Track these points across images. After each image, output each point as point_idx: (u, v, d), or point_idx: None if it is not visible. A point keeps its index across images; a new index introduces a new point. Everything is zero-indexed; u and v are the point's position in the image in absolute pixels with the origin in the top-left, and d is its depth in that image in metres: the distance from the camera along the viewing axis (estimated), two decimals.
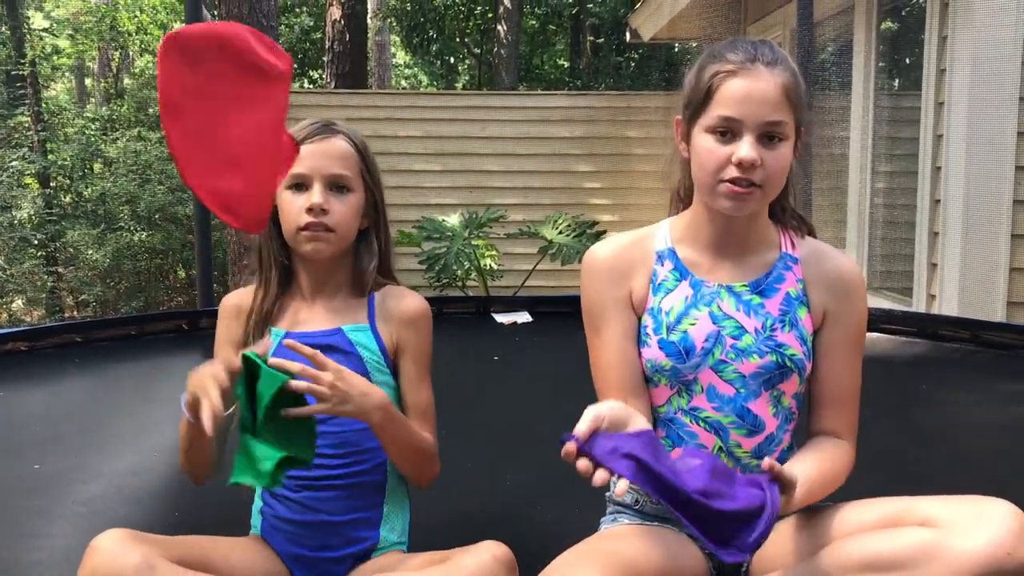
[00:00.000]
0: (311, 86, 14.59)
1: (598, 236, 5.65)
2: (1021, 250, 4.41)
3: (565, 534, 1.59)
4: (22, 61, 10.90)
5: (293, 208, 1.65)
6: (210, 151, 1.41)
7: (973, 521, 1.33)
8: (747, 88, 1.49)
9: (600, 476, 1.29)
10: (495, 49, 12.73)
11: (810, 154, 4.92)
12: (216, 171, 1.42)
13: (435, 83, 17.21)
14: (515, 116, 8.41)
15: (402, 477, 1.72)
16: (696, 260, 1.64)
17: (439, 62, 15.18)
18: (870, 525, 1.43)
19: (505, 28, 12.21)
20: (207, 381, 1.49)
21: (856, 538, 1.41)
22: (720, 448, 1.59)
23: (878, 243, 5.69)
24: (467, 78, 16.76)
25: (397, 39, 15.90)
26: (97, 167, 11.02)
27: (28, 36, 11.78)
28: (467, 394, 3.19)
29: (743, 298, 1.60)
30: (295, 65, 14.33)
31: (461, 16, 14.22)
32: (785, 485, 1.40)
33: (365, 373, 1.67)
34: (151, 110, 12.29)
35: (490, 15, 13.85)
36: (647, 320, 1.61)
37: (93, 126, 11.63)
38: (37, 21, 15.16)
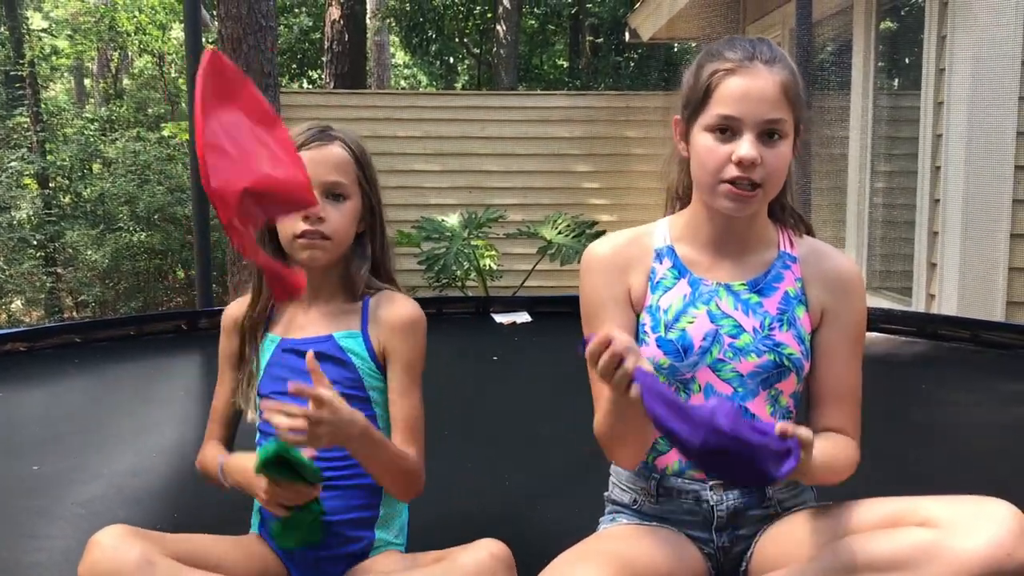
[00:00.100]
0: (310, 86, 14.59)
1: (597, 236, 5.62)
2: (1020, 250, 4.41)
3: (564, 534, 1.59)
4: (21, 62, 10.89)
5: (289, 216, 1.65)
6: (235, 165, 1.40)
7: (973, 521, 1.33)
8: (746, 86, 1.49)
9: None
10: (494, 49, 12.73)
11: (809, 153, 4.92)
12: (237, 187, 1.42)
13: (434, 83, 17.21)
14: (514, 116, 8.41)
15: None
16: (695, 258, 1.63)
17: (438, 62, 15.17)
18: (870, 525, 1.43)
19: (504, 28, 12.21)
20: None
21: (856, 538, 1.41)
22: None
23: (877, 243, 5.69)
24: (466, 78, 16.76)
25: (396, 39, 15.90)
26: (96, 167, 11.01)
27: (27, 36, 11.76)
28: (467, 394, 3.20)
29: (741, 297, 1.60)
30: (294, 66, 14.25)
31: (460, 16, 14.22)
32: (802, 441, 1.38)
33: (359, 380, 1.68)
34: (150, 110, 12.30)
35: (489, 15, 13.85)
36: (645, 318, 1.61)
37: (92, 126, 11.62)
38: (36, 21, 15.17)
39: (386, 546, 1.70)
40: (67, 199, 10.59)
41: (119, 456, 2.62)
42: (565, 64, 16.07)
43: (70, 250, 9.67)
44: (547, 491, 2.32)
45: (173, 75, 13.09)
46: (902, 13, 5.99)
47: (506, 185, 8.30)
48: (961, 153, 4.44)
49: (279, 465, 1.48)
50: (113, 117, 11.97)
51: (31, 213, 9.67)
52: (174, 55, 13.04)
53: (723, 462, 1.32)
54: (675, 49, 13.61)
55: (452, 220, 6.11)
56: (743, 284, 1.61)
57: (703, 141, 1.53)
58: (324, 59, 11.83)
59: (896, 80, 6.05)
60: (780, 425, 1.35)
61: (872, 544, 1.38)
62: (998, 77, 4.30)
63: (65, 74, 16.76)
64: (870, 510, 1.46)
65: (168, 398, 3.15)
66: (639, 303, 1.63)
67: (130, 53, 14.73)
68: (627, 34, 10.03)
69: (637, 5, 9.02)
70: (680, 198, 1.69)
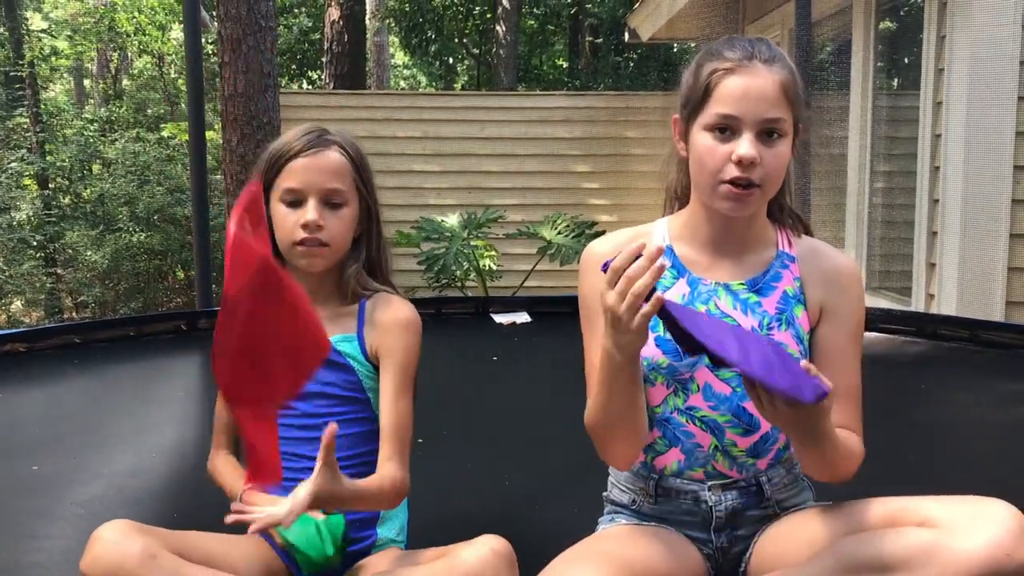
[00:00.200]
0: (309, 87, 14.59)
1: (597, 236, 5.63)
2: (1020, 249, 4.42)
3: (564, 534, 1.59)
4: (21, 62, 10.89)
5: (287, 223, 1.65)
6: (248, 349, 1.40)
7: (972, 522, 1.33)
8: (745, 85, 1.49)
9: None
10: (494, 49, 12.73)
11: (809, 153, 4.92)
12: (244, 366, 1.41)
13: (434, 84, 17.21)
14: (514, 116, 8.41)
15: None
16: (694, 258, 1.64)
17: (438, 63, 15.18)
18: (869, 525, 1.43)
19: (504, 28, 12.21)
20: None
21: (855, 538, 1.41)
22: (716, 447, 1.59)
23: (877, 243, 5.69)
24: (466, 78, 16.76)
25: (396, 40, 15.89)
26: (96, 168, 11.02)
27: (26, 37, 11.77)
28: (466, 394, 3.20)
29: (740, 296, 1.60)
30: (294, 66, 14.23)
31: (460, 16, 14.22)
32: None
33: (357, 382, 1.69)
34: (149, 111, 12.30)
35: (489, 15, 13.85)
36: None
37: (92, 127, 11.63)
38: (35, 22, 15.17)
39: (388, 544, 1.71)
40: (67, 200, 10.60)
41: (119, 456, 2.63)
42: (564, 64, 16.07)
43: (70, 251, 9.68)
44: (547, 491, 2.32)
45: (173, 76, 13.10)
46: (901, 13, 6.00)
47: (505, 185, 8.30)
48: (960, 153, 4.44)
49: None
50: (113, 118, 11.98)
51: (31, 214, 9.68)
52: (174, 56, 13.05)
53: (766, 362, 1.32)
54: (674, 49, 13.62)
55: (452, 220, 6.11)
56: (742, 284, 1.61)
57: (702, 140, 1.53)
58: (323, 60, 11.84)
59: (895, 80, 6.05)
60: (804, 362, 1.35)
61: (871, 544, 1.38)
62: (997, 77, 4.30)
63: (65, 75, 16.75)
64: (869, 510, 1.46)
65: (168, 398, 3.15)
66: None
67: (130, 54, 14.74)
68: (626, 34, 10.03)
69: (636, 5, 9.02)
70: (679, 198, 1.69)
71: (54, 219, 9.83)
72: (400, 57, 18.99)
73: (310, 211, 1.64)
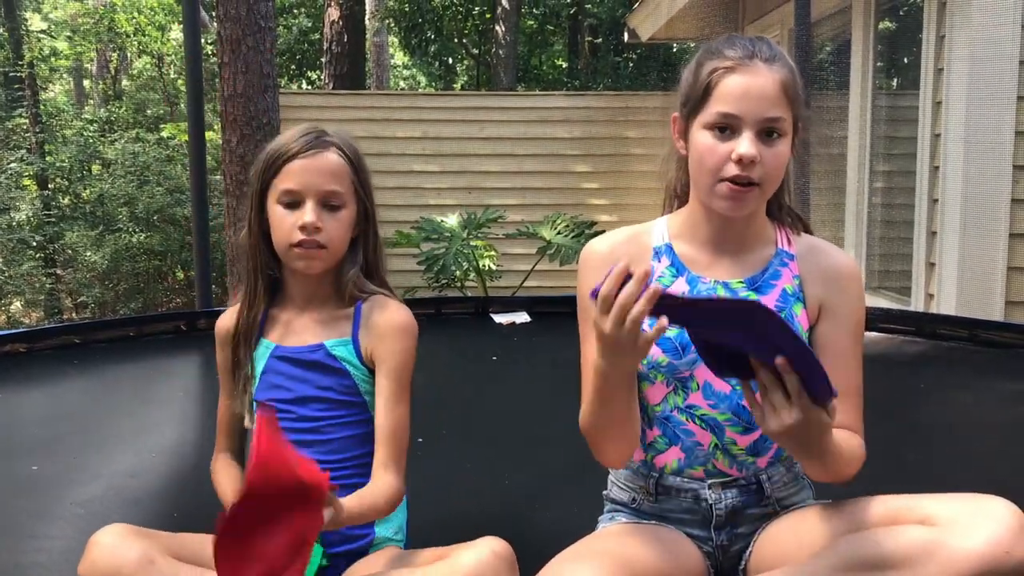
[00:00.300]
0: (309, 87, 14.59)
1: (596, 236, 5.64)
2: (1019, 249, 4.42)
3: (564, 534, 1.59)
4: (20, 63, 10.90)
5: (285, 225, 1.64)
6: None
7: (972, 520, 1.33)
8: (746, 84, 1.49)
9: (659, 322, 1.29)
10: (493, 50, 12.73)
11: (809, 152, 4.92)
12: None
13: (433, 84, 17.21)
14: (513, 117, 8.41)
15: None
16: (693, 256, 1.63)
17: (437, 63, 15.18)
18: (869, 523, 1.43)
19: (503, 28, 12.21)
20: None
21: (855, 536, 1.41)
22: (716, 445, 1.59)
23: (876, 242, 5.69)
24: (465, 79, 16.76)
25: (395, 40, 15.89)
26: (95, 168, 11.03)
27: (26, 38, 11.78)
28: (466, 394, 3.20)
29: (739, 294, 1.60)
30: (293, 67, 14.25)
31: (459, 17, 14.22)
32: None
33: (353, 386, 1.68)
34: (149, 112, 12.30)
35: (488, 16, 13.85)
36: None
37: (91, 127, 11.63)
38: (35, 23, 15.16)
39: (386, 543, 1.70)
40: (66, 200, 10.61)
41: (118, 457, 2.62)
42: (564, 64, 16.07)
43: (69, 251, 9.69)
44: (546, 491, 2.32)
45: (172, 76, 13.10)
46: (901, 13, 6.00)
47: (505, 185, 8.30)
48: (960, 153, 4.44)
49: None
50: (112, 118, 11.99)
51: (30, 214, 9.68)
52: (173, 56, 13.06)
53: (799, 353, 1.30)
54: (674, 49, 13.62)
55: (451, 220, 6.11)
56: (741, 282, 1.61)
57: (702, 139, 1.53)
58: (323, 60, 11.84)
59: (895, 80, 6.05)
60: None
61: (871, 542, 1.38)
62: (996, 77, 4.30)
63: (64, 75, 16.76)
64: (869, 508, 1.46)
65: (167, 399, 3.15)
66: None
67: (129, 54, 14.75)
68: (626, 34, 10.04)
69: (636, 5, 9.03)
70: (678, 196, 1.69)
71: (54, 219, 9.83)
72: (399, 57, 19.00)
73: (308, 213, 1.63)
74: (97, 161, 10.95)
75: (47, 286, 9.64)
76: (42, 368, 3.39)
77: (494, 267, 6.44)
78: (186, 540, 1.58)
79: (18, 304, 9.94)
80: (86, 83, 18.22)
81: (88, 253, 9.30)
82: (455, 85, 16.59)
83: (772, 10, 7.00)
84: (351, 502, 1.52)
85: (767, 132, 1.50)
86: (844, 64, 5.93)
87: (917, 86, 4.93)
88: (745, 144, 1.48)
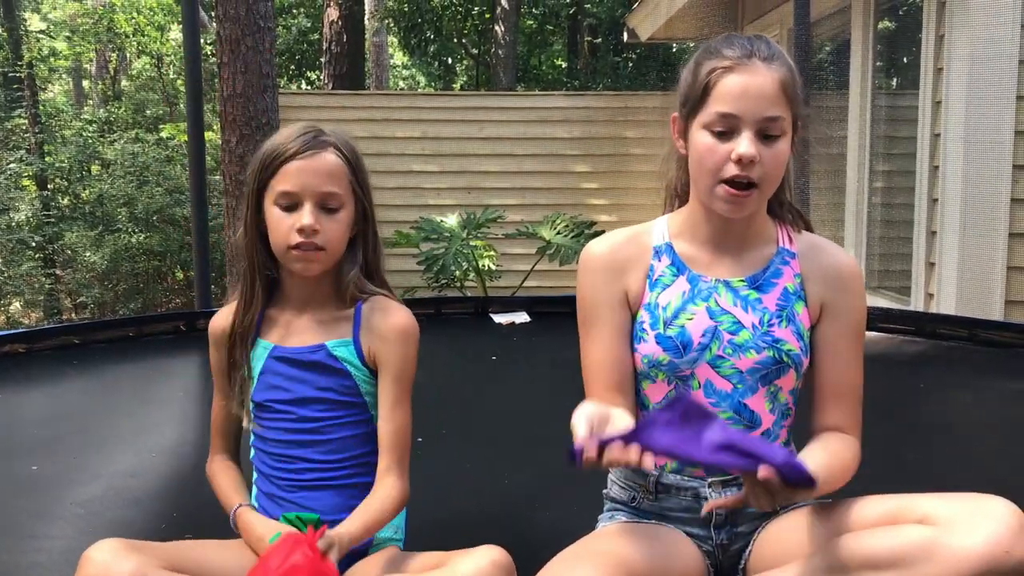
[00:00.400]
0: (308, 87, 14.59)
1: (596, 236, 5.64)
2: (1019, 249, 4.42)
3: (564, 533, 1.59)
4: (19, 63, 10.90)
5: (283, 226, 1.62)
6: None
7: (971, 519, 1.33)
8: (744, 84, 1.49)
9: (639, 457, 1.29)
10: (493, 50, 12.73)
11: (808, 152, 4.92)
12: None
13: (433, 84, 17.20)
14: (513, 117, 8.41)
15: None
16: (694, 255, 1.64)
17: (437, 63, 15.17)
18: (868, 523, 1.43)
19: (503, 28, 12.21)
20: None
21: (855, 536, 1.41)
22: None
23: (876, 242, 5.69)
24: (465, 79, 16.76)
25: (395, 40, 15.89)
26: (95, 169, 11.02)
27: (25, 38, 11.77)
28: (465, 394, 3.20)
29: (740, 293, 1.60)
30: (293, 67, 14.23)
31: (459, 17, 14.21)
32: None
33: (354, 387, 1.68)
34: (148, 112, 12.30)
35: (488, 16, 13.85)
36: (643, 315, 1.61)
37: (91, 128, 11.63)
38: (34, 23, 15.15)
39: (385, 543, 1.70)
40: (66, 200, 10.60)
41: (118, 457, 2.62)
42: (563, 64, 16.06)
43: (69, 251, 9.68)
44: (546, 491, 2.32)
45: (171, 76, 13.09)
46: (900, 12, 6.00)
47: (505, 185, 8.30)
48: (959, 152, 4.44)
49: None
50: (112, 118, 11.99)
51: (30, 215, 9.67)
52: (172, 56, 13.05)
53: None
54: (673, 49, 13.62)
55: (451, 220, 6.11)
56: (742, 280, 1.61)
57: (701, 139, 1.53)
58: (322, 60, 11.83)
59: (894, 79, 6.05)
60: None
61: (870, 541, 1.38)
62: (996, 76, 4.30)
63: (63, 75, 16.76)
64: (868, 507, 1.46)
65: (167, 399, 3.15)
66: (636, 302, 1.63)
67: (128, 55, 14.74)
68: (625, 34, 10.04)
69: (635, 5, 9.03)
70: (678, 195, 1.69)
71: (53, 220, 9.82)
72: (399, 57, 18.99)
73: (306, 215, 1.61)
74: (96, 161, 10.95)
75: (46, 286, 9.63)
76: (42, 368, 3.39)
77: (494, 267, 6.43)
78: (184, 548, 1.57)
79: (17, 304, 9.94)
80: (85, 83, 18.21)
81: (87, 253, 9.30)
82: (454, 85, 16.59)
83: (771, 10, 7.00)
84: (353, 525, 1.53)
85: (766, 132, 1.50)
86: (843, 64, 5.93)
87: (917, 86, 4.93)
88: (744, 144, 1.48)
